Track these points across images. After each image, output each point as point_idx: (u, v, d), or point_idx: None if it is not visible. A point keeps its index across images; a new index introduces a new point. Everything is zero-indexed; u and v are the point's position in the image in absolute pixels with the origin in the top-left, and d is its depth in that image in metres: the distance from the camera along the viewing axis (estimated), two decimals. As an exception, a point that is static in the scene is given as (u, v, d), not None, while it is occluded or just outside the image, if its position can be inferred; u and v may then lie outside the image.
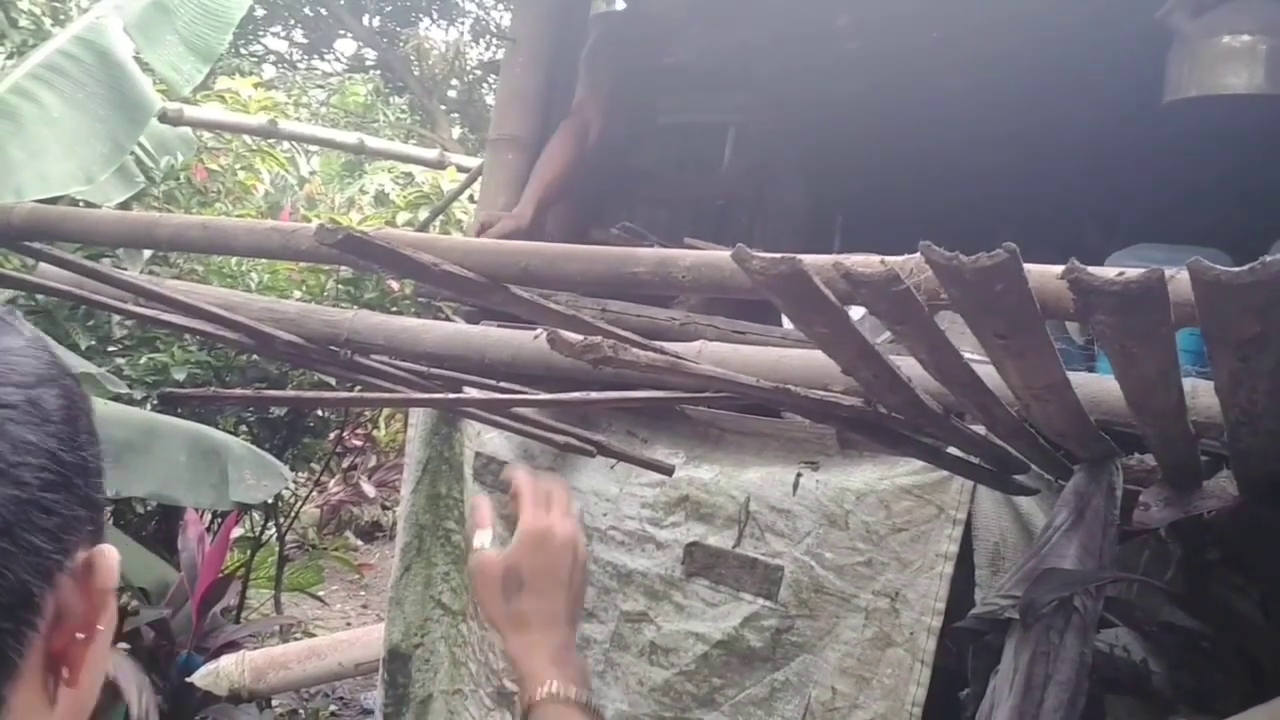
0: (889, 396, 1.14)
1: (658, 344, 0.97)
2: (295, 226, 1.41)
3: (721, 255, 1.06)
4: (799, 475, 1.95)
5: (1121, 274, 0.68)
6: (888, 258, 0.88)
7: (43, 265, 1.84)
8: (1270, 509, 1.35)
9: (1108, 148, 3.01)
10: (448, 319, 2.40)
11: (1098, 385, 1.42)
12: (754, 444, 2.02)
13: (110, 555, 0.49)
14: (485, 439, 2.32)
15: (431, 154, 5.99)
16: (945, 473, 1.77)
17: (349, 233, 1.02)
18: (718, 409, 1.99)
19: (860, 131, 3.21)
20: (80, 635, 0.47)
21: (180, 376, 3.85)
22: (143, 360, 3.94)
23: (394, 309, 4.31)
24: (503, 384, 1.79)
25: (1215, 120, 2.40)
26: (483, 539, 0.93)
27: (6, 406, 0.45)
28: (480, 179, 2.99)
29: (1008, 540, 1.78)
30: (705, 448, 2.07)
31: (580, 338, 0.85)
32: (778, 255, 0.77)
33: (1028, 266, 0.74)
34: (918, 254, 0.76)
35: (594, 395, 1.50)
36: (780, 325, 2.01)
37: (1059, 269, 0.74)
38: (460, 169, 5.52)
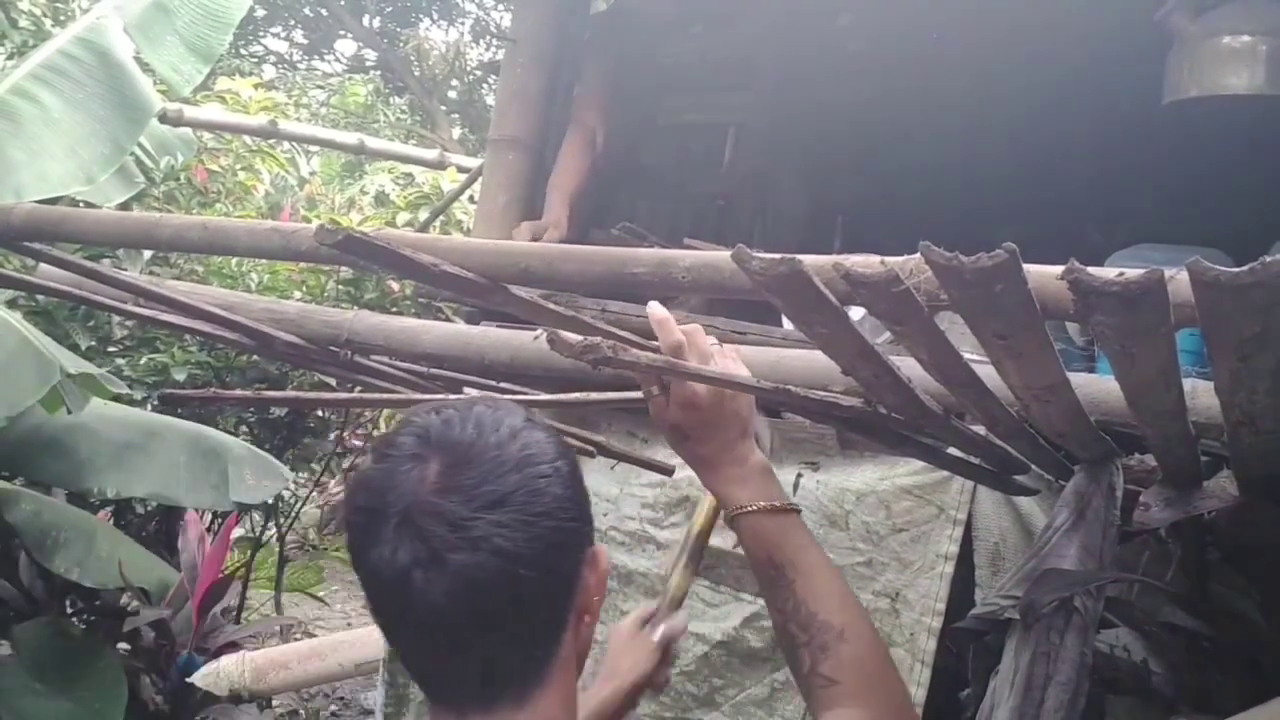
0: (889, 396, 1.14)
1: (657, 344, 0.96)
2: (295, 227, 1.41)
3: (721, 256, 1.06)
4: (799, 475, 1.95)
5: (1121, 274, 0.68)
6: (888, 258, 0.88)
7: (43, 265, 1.84)
8: (1270, 509, 1.35)
9: (1108, 148, 3.01)
10: (448, 319, 2.40)
11: (1098, 385, 1.42)
12: (754, 444, 2.02)
13: (604, 549, 0.84)
14: (485, 439, 2.32)
15: (431, 154, 5.99)
16: (945, 473, 1.77)
17: (349, 233, 1.02)
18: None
19: (861, 132, 3.22)
20: (596, 597, 0.82)
21: (180, 377, 3.85)
22: (143, 360, 3.94)
23: (394, 309, 4.31)
24: (503, 384, 1.79)
25: (1215, 121, 2.40)
26: (650, 388, 1.02)
27: (551, 476, 0.77)
28: (480, 179, 2.99)
29: (1008, 540, 1.78)
30: (705, 448, 2.07)
31: (580, 338, 0.85)
32: (778, 256, 0.77)
33: (1028, 267, 0.74)
34: (918, 254, 0.76)
35: (594, 395, 1.50)
36: (780, 325, 2.01)
37: (1059, 269, 0.74)
38: (460, 169, 5.52)
